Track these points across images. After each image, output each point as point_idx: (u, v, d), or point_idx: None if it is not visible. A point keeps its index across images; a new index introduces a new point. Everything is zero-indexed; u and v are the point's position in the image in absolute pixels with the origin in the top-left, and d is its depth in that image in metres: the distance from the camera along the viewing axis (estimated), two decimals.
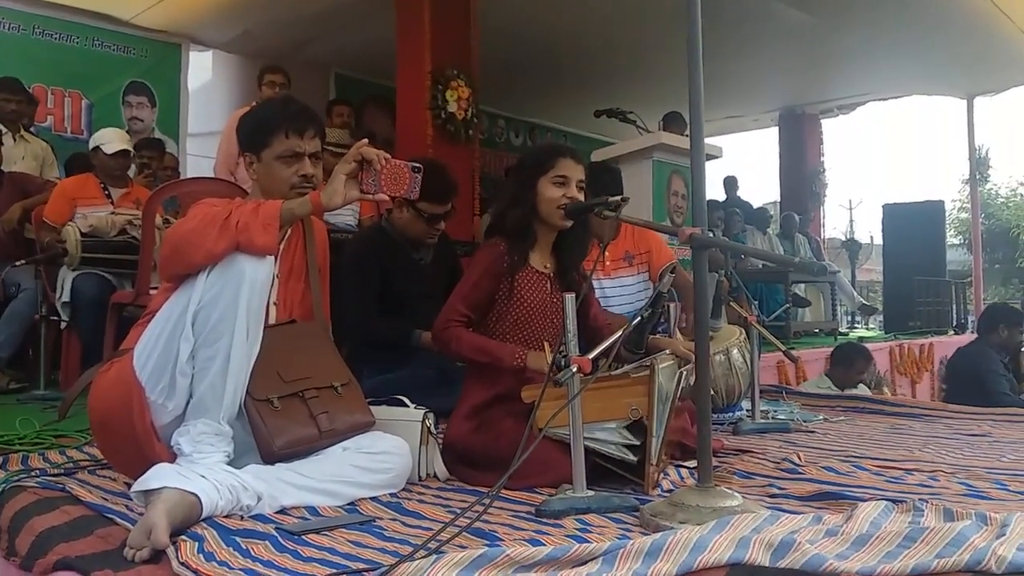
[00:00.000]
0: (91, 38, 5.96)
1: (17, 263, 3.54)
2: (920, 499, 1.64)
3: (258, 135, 1.98)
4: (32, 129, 4.79)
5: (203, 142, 6.51)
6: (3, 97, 4.39)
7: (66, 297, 3.58)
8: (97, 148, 3.89)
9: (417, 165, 1.88)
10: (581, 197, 2.16)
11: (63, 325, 3.62)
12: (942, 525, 1.42)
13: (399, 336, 2.94)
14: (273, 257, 1.82)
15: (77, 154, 4.95)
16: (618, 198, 2.05)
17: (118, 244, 3.62)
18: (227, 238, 1.69)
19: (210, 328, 1.68)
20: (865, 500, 1.65)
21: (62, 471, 2.01)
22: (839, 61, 7.51)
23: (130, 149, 4.02)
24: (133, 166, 4.59)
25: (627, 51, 6.88)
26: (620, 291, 3.36)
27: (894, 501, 1.62)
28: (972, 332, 8.51)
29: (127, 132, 4.35)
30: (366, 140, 1.88)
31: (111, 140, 3.92)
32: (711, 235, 1.74)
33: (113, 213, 3.69)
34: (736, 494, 1.67)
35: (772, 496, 1.86)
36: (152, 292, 3.06)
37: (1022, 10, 6.19)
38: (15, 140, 4.45)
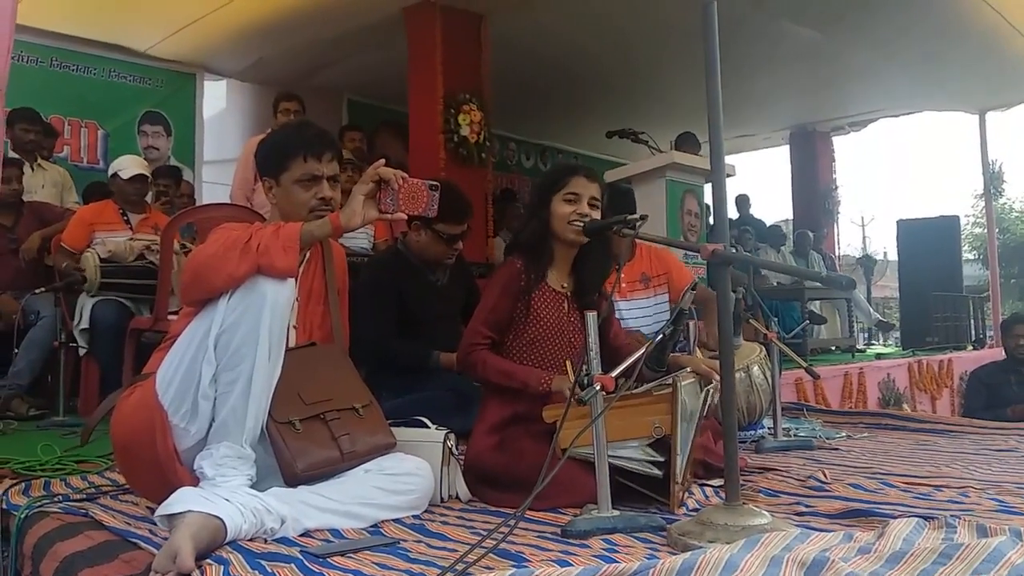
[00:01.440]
0: (107, 69, 6.05)
1: (37, 291, 3.57)
2: (952, 515, 1.61)
3: (276, 159, 1.99)
4: (50, 159, 4.85)
5: (218, 169, 6.57)
6: (22, 128, 4.45)
7: (85, 324, 3.61)
8: (115, 175, 3.95)
9: (434, 183, 1.89)
10: (595, 215, 2.15)
11: (82, 352, 3.65)
12: (977, 541, 1.39)
13: (417, 358, 2.94)
14: (294, 280, 1.82)
15: (95, 183, 5.01)
16: (636, 216, 2.05)
17: (137, 269, 3.66)
18: (248, 261, 1.70)
19: (232, 351, 1.68)
20: (895, 517, 1.63)
21: (84, 496, 2.01)
22: (850, 79, 7.51)
23: (147, 174, 4.07)
24: (151, 193, 4.64)
25: (639, 73, 6.91)
26: (636, 313, 3.34)
27: (925, 518, 1.59)
28: (991, 345, 8.45)
29: (145, 164, 4.39)
30: (383, 160, 1.89)
31: (128, 166, 3.98)
32: (733, 252, 1.73)
33: (132, 239, 3.73)
34: (764, 512, 1.64)
35: (800, 514, 1.83)
36: (171, 318, 3.09)
37: None
38: (33, 169, 4.50)
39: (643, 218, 2.08)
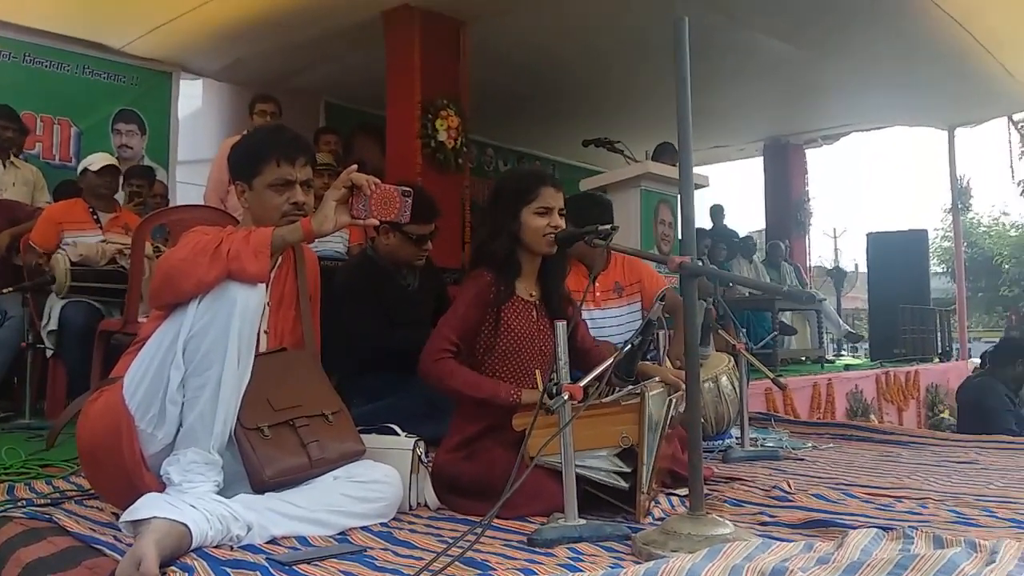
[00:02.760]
0: (82, 66, 5.97)
1: (4, 291, 3.52)
2: (910, 526, 1.65)
3: (249, 163, 1.99)
4: (21, 156, 4.79)
5: (192, 170, 6.52)
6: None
7: (53, 325, 3.56)
8: (85, 170, 3.89)
9: (407, 189, 1.90)
10: (563, 224, 2.17)
11: (49, 354, 3.60)
12: (932, 552, 1.42)
13: (415, 343, 2.91)
14: (264, 285, 1.82)
15: (66, 181, 4.94)
16: (608, 227, 2.07)
17: (107, 272, 3.61)
18: (218, 266, 1.69)
19: (201, 356, 1.67)
20: (856, 527, 1.65)
21: (49, 501, 1.99)
22: (823, 93, 7.62)
23: (117, 166, 4.02)
24: (123, 192, 4.59)
25: (616, 83, 6.97)
26: (610, 322, 3.37)
27: (884, 528, 1.62)
28: (958, 359, 8.60)
29: (116, 159, 4.35)
30: (355, 166, 1.89)
31: (96, 160, 3.93)
32: (701, 263, 1.76)
33: (103, 241, 3.69)
34: (728, 522, 1.67)
35: (763, 524, 1.86)
36: (141, 320, 3.06)
37: (1002, 45, 6.32)
38: (5, 167, 4.45)
39: (615, 228, 2.10)
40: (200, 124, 6.86)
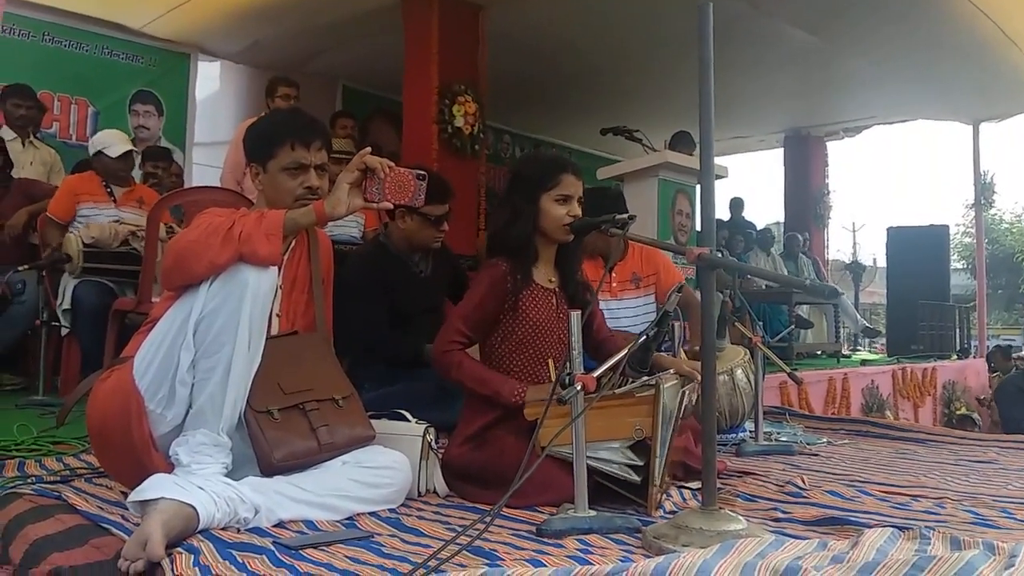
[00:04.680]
0: (100, 46, 5.98)
1: (20, 268, 3.53)
2: (927, 526, 1.62)
3: (264, 146, 1.97)
4: (39, 135, 4.80)
5: (209, 151, 6.53)
6: (13, 103, 4.41)
7: (67, 304, 3.58)
8: (100, 152, 3.85)
9: (422, 172, 1.87)
10: (580, 212, 2.14)
11: (63, 332, 3.61)
12: (950, 554, 1.39)
13: (410, 352, 2.92)
14: (276, 268, 1.81)
15: (82, 161, 4.95)
16: (625, 216, 2.04)
17: (120, 255, 3.62)
18: (230, 249, 1.68)
19: (211, 338, 1.66)
20: (871, 526, 1.63)
21: (59, 478, 2.00)
22: (845, 84, 7.53)
23: (134, 149, 4.01)
24: (140, 172, 4.60)
25: (635, 70, 6.90)
26: (627, 312, 3.35)
27: (900, 528, 1.60)
28: (976, 357, 8.50)
29: (132, 140, 4.35)
30: (369, 149, 1.87)
31: (113, 143, 3.87)
32: (720, 255, 1.73)
33: (117, 221, 3.68)
34: (740, 517, 1.64)
35: (776, 520, 1.83)
36: (155, 301, 3.06)
37: None
38: (24, 146, 4.47)
39: (632, 218, 2.07)
40: (217, 106, 6.86)
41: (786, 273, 8.07)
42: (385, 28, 5.64)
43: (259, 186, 2.01)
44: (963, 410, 7.42)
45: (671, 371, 2.15)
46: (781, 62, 6.74)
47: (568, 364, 1.72)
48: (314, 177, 1.96)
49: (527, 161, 2.48)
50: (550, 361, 1.97)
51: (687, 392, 2.11)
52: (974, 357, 8.64)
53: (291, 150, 1.94)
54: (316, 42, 6.31)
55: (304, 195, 1.94)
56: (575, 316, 1.75)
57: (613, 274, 3.33)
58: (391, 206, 1.88)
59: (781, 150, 10.02)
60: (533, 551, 1.55)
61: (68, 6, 5.67)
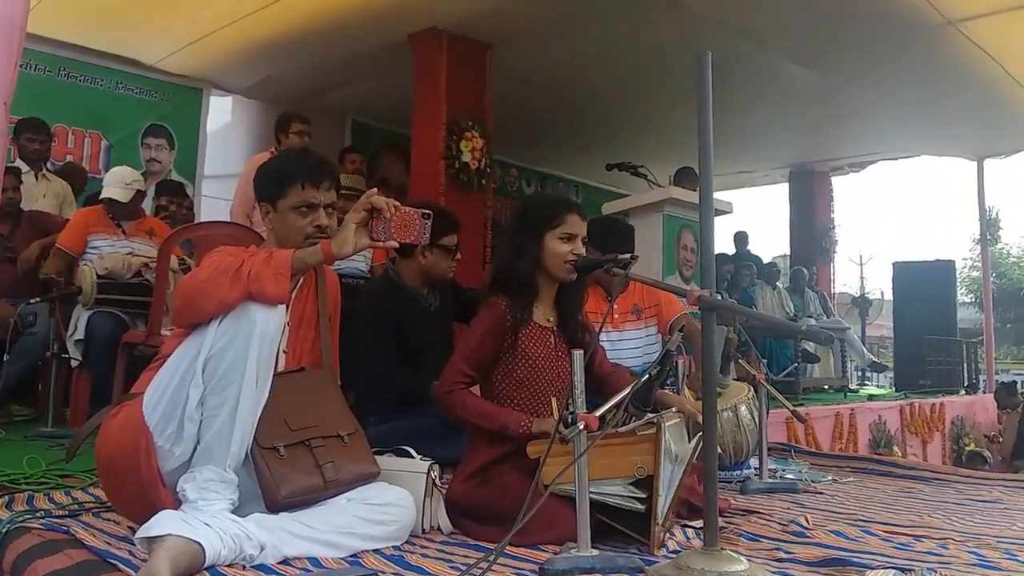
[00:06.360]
0: (114, 81, 6.11)
1: (32, 301, 3.58)
2: (928, 568, 1.62)
3: (274, 185, 2.02)
4: (50, 167, 4.88)
5: (219, 184, 6.61)
6: (27, 137, 4.49)
7: (80, 335, 3.61)
8: (110, 199, 3.89)
9: (427, 212, 1.91)
10: (584, 252, 2.18)
11: (74, 364, 3.64)
12: None
13: (418, 390, 2.93)
14: (285, 306, 1.84)
15: (96, 194, 5.03)
16: (627, 256, 2.07)
17: (133, 285, 3.67)
18: (239, 288, 1.71)
19: (220, 376, 1.69)
20: (874, 568, 1.63)
21: (67, 513, 2.01)
22: (849, 120, 7.59)
23: (142, 189, 4.06)
24: (153, 204, 4.67)
25: (639, 107, 6.98)
26: (628, 344, 3.36)
27: (903, 570, 1.60)
28: (984, 392, 8.45)
29: (143, 174, 4.40)
30: (375, 189, 1.92)
31: (120, 188, 3.90)
32: (720, 297, 1.75)
33: (130, 253, 3.74)
34: (742, 558, 1.64)
35: (779, 560, 1.83)
36: (164, 333, 3.09)
37: None
38: (37, 179, 4.53)
39: (634, 258, 2.10)
40: (228, 139, 6.96)
41: (792, 307, 8.07)
42: (394, 65, 5.75)
43: (269, 224, 2.05)
44: (972, 446, 7.37)
45: (674, 409, 2.16)
46: (784, 98, 6.81)
47: (571, 403, 1.74)
48: (323, 216, 2.00)
49: (534, 200, 2.53)
50: (553, 400, 1.99)
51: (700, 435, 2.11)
52: (982, 392, 8.59)
53: (301, 189, 1.98)
54: (326, 78, 6.42)
55: (314, 234, 1.98)
56: (577, 355, 1.76)
57: (615, 306, 3.35)
58: (397, 245, 1.92)
59: (786, 185, 10.08)
60: None
61: (84, 41, 5.80)
